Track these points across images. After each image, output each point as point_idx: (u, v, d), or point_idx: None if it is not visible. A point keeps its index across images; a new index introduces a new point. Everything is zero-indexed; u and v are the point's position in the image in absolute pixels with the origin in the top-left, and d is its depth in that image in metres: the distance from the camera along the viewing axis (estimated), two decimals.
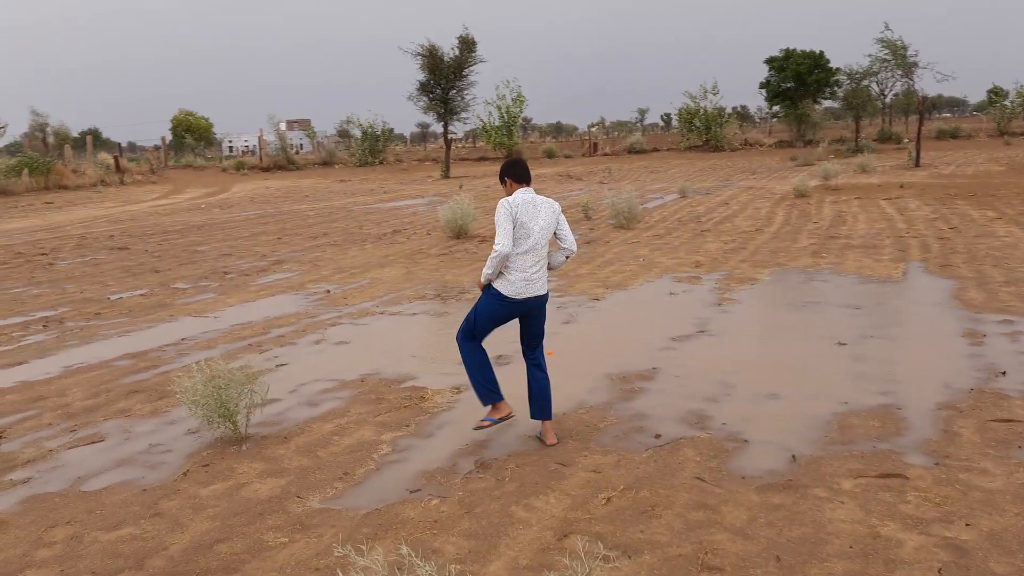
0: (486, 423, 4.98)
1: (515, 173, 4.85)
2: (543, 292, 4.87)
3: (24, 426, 5.50)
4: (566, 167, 38.88)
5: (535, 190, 4.89)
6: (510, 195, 4.78)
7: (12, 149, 46.85)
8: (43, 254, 14.34)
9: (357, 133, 47.86)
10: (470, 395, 5.95)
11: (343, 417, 5.56)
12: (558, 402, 5.64)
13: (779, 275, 10.02)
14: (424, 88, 35.96)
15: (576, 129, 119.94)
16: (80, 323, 8.76)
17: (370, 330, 8.13)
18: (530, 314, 4.93)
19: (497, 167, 36.53)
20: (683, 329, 7.55)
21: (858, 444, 4.70)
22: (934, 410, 5.20)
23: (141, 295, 10.26)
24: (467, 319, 5.01)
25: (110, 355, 7.35)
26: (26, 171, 32.40)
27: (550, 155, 47.36)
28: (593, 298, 9.15)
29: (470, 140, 71.21)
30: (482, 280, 4.88)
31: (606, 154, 46.81)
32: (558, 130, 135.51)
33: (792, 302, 8.61)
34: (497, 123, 45.76)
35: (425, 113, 38.26)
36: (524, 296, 4.77)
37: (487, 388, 4.96)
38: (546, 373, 5.09)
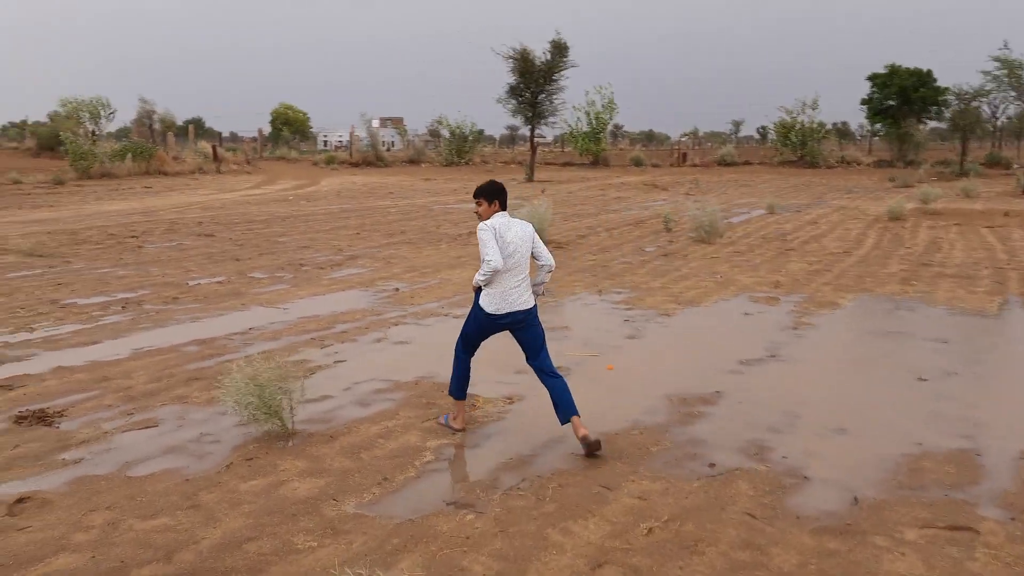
0: (440, 422, 5.37)
1: (499, 197, 5.08)
2: (528, 307, 5.07)
3: (86, 406, 5.64)
4: (653, 176, 38.32)
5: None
6: (487, 219, 5.02)
7: (120, 135, 49.34)
8: (134, 236, 14.93)
9: (446, 133, 48.43)
10: (522, 406, 5.83)
11: (391, 420, 5.50)
12: (611, 420, 5.46)
13: (863, 301, 9.50)
14: (513, 91, 36.08)
15: (668, 138, 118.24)
16: (157, 306, 9.02)
17: (432, 331, 8.08)
18: (517, 327, 5.11)
19: (582, 172, 36.34)
20: (753, 352, 7.21)
21: (928, 491, 4.34)
22: (1016, 459, 4.78)
23: (218, 282, 10.52)
24: (462, 330, 5.32)
25: (179, 340, 7.52)
26: (129, 156, 34.05)
27: (637, 163, 46.78)
28: (663, 313, 8.87)
29: (558, 145, 71.09)
30: (473, 284, 5.10)
31: (695, 165, 45.96)
32: (649, 138, 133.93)
33: (873, 331, 8.13)
34: (585, 129, 45.59)
35: (513, 116, 38.39)
36: (505, 311, 5.00)
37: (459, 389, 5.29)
38: (558, 375, 5.11)
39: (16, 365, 6.63)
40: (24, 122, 67.54)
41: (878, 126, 46.81)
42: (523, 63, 35.13)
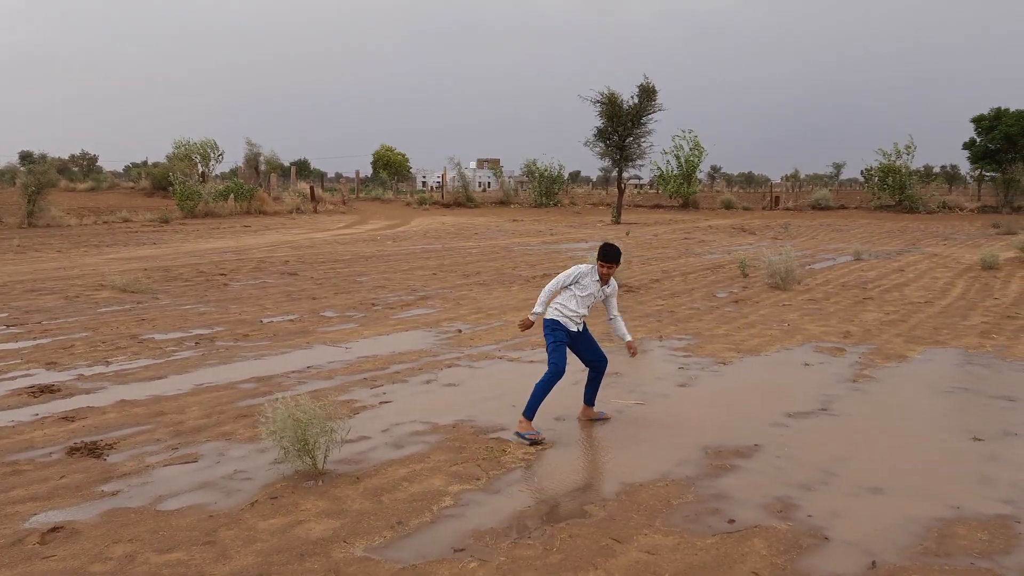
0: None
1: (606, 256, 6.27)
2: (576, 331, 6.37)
3: (135, 439, 5.95)
4: (742, 219, 37.60)
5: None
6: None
7: (229, 176, 52.12)
8: (222, 274, 15.69)
9: (536, 175, 49.01)
10: (550, 453, 5.80)
11: (421, 463, 5.57)
12: (641, 471, 5.39)
13: (933, 354, 9.02)
14: (601, 134, 36.23)
15: (768, 180, 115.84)
16: (228, 343, 9.44)
17: (483, 374, 8.15)
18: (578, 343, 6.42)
19: (671, 214, 35.95)
20: (804, 405, 6.95)
21: (955, 558, 4.07)
22: None
23: (290, 320, 10.92)
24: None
25: (239, 377, 7.84)
26: (232, 196, 35.90)
27: (727, 206, 45.98)
28: (719, 361, 8.67)
29: (654, 187, 70.79)
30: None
31: (787, 208, 44.78)
32: (748, 181, 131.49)
33: (937, 386, 7.70)
34: (675, 171, 45.30)
35: (601, 159, 38.48)
36: (570, 329, 6.31)
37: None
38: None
39: (84, 397, 7.06)
40: (144, 163, 72.27)
41: (982, 171, 44.52)
42: (610, 107, 35.30)
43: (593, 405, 6.64)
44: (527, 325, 6.32)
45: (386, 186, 63.71)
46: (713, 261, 19.16)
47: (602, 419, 6.60)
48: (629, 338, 6.63)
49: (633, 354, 6.70)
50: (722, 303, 12.70)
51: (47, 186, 30.00)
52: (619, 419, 6.67)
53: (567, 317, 6.29)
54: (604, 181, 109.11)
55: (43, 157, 71.23)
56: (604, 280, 6.34)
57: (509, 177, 75.15)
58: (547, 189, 47.79)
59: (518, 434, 6.07)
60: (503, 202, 49.84)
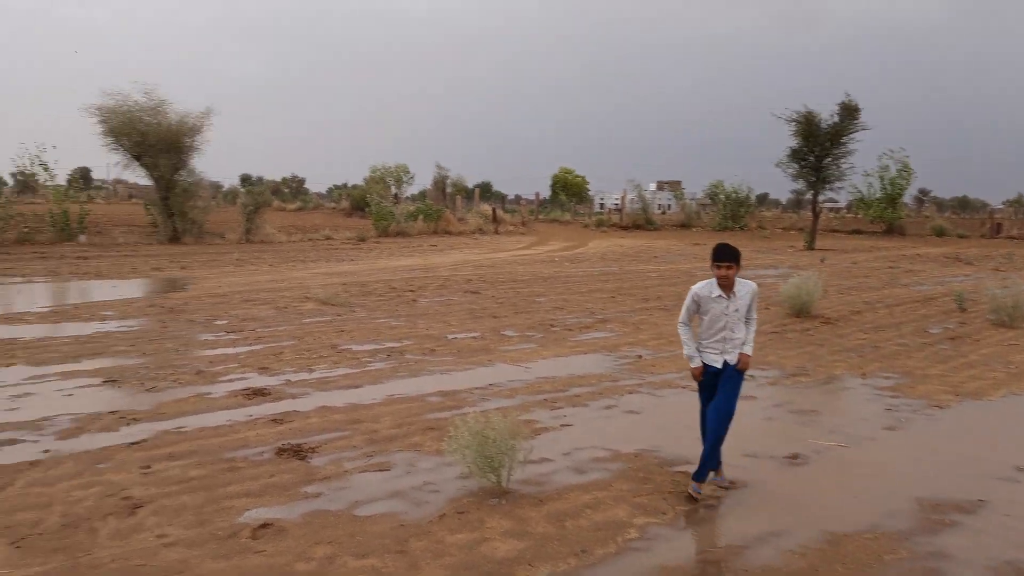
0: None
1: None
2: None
3: (335, 445, 6.26)
4: (956, 248, 34.51)
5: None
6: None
7: (417, 198, 54.89)
8: (411, 291, 16.42)
9: (722, 197, 47.63)
10: (740, 494, 5.48)
11: (604, 490, 5.45)
12: (846, 519, 4.97)
13: None
14: (795, 155, 34.58)
15: (986, 205, 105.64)
16: (416, 356, 9.81)
17: (666, 403, 7.90)
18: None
19: (873, 241, 33.42)
20: None
21: None
22: None
23: (473, 338, 11.19)
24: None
25: (427, 390, 8.10)
26: (421, 217, 37.78)
27: (939, 233, 42.43)
28: (934, 404, 7.90)
29: (852, 211, 66.66)
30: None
31: (1011, 237, 40.56)
32: (963, 205, 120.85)
33: None
34: (878, 194, 42.41)
35: (794, 180, 36.73)
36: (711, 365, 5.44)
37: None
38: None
39: (291, 402, 7.55)
40: (344, 185, 77.64)
41: None
42: (807, 126, 33.64)
43: (713, 471, 5.54)
44: (698, 374, 5.46)
45: (564, 208, 64.40)
46: (923, 293, 17.64)
47: (723, 485, 5.55)
48: (747, 349, 5.42)
49: (743, 368, 5.41)
50: (935, 339, 11.62)
51: (262, 206, 32.98)
52: (819, 461, 6.21)
53: (707, 352, 5.43)
54: (795, 204, 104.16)
55: (259, 180, 78.49)
56: (726, 287, 5.31)
57: (691, 199, 73.70)
58: (733, 212, 46.25)
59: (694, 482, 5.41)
60: (684, 225, 48.85)
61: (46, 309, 13.43)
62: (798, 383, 8.89)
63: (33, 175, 31.00)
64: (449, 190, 51.51)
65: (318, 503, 5.10)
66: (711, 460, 5.39)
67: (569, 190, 66.75)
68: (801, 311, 13.54)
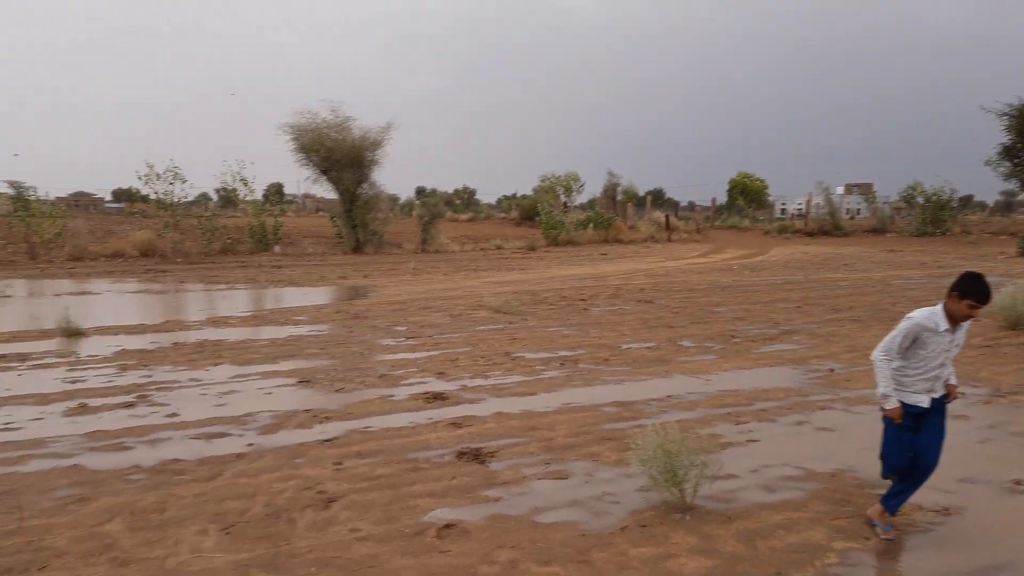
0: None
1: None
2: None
3: (513, 450, 6.28)
4: None
5: None
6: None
7: (586, 206, 54.98)
8: (582, 299, 16.37)
9: (920, 200, 44.08)
10: (959, 521, 4.95)
11: (797, 511, 5.10)
12: None
13: None
14: (1008, 152, 31.44)
15: None
16: (590, 366, 9.72)
17: (864, 420, 7.32)
18: None
19: None
20: None
21: None
22: None
23: (648, 348, 10.95)
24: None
25: (602, 400, 7.98)
26: (591, 225, 37.76)
27: None
28: None
29: None
30: None
31: None
32: None
33: None
34: None
35: (1006, 180, 33.39)
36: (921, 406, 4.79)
37: None
38: None
39: (468, 407, 7.68)
40: (513, 195, 79.26)
41: None
42: (1022, 120, 30.52)
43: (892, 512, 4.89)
44: (898, 415, 4.71)
45: (742, 214, 62.17)
46: None
47: (885, 536, 4.75)
48: (954, 381, 4.82)
49: (952, 399, 4.83)
50: None
51: (437, 217, 34.24)
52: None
53: (909, 391, 4.72)
54: (1004, 207, 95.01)
55: (433, 192, 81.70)
56: (960, 321, 4.60)
57: (883, 203, 68.88)
58: (933, 216, 42.60)
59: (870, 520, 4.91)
60: (877, 230, 45.65)
61: (247, 313, 14.56)
62: (1016, 402, 7.98)
63: (234, 190, 33.86)
64: (619, 198, 51.22)
65: (499, 507, 5.11)
66: (901, 501, 4.85)
67: (747, 195, 64.32)
68: (1017, 323, 12.23)
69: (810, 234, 44.23)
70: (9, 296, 17.27)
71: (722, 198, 70.00)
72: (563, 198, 49.10)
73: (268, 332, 12.31)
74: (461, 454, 6.14)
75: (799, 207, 67.64)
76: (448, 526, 4.76)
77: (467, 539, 4.59)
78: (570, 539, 4.62)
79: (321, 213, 58.78)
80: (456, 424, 7.00)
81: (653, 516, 4.99)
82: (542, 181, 50.94)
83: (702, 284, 19.69)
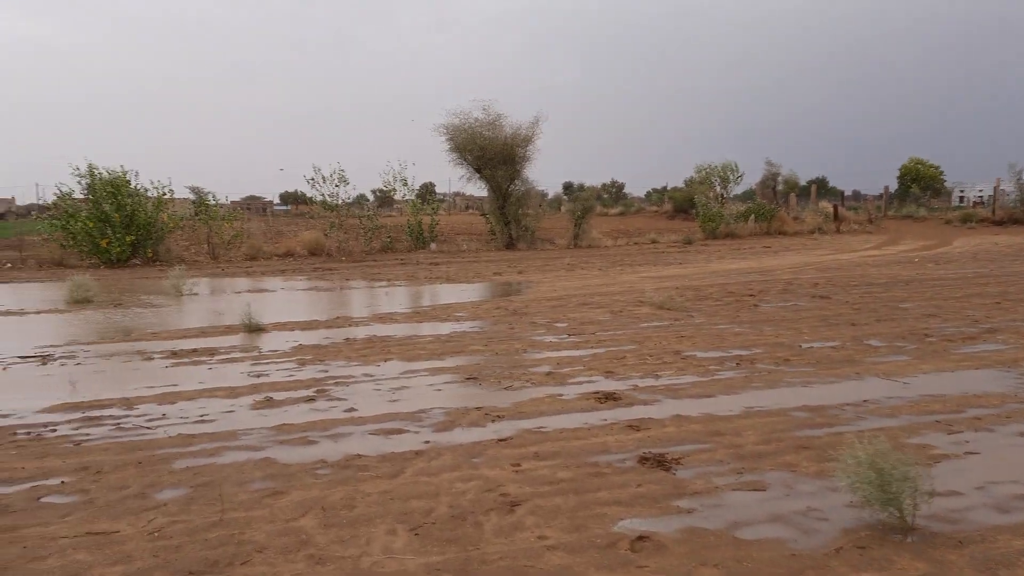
0: None
1: None
2: None
3: (699, 457, 5.90)
4: None
5: None
6: None
7: (745, 196, 52.84)
8: (750, 295, 15.56)
9: None
10: None
11: None
12: None
13: None
14: None
15: None
16: (769, 366, 9.11)
17: None
18: None
19: None
20: None
21: None
22: None
23: (831, 347, 10.17)
24: None
25: (789, 404, 7.42)
26: (752, 217, 36.20)
27: None
28: None
29: None
30: None
31: None
32: None
33: None
34: None
35: None
36: None
37: None
38: None
39: (642, 408, 7.35)
40: (664, 188, 77.58)
41: None
42: None
43: None
44: None
45: (919, 202, 57.81)
46: None
47: None
48: None
49: None
50: None
51: (588, 212, 33.97)
52: None
53: None
54: None
55: (581, 187, 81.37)
56: None
57: None
58: None
59: None
60: None
61: (409, 310, 14.88)
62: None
63: (393, 190, 35.04)
64: (779, 187, 48.85)
65: (693, 520, 4.76)
66: None
67: (920, 182, 59.72)
68: None
69: (999, 223, 40.40)
70: (196, 294, 18.57)
71: (893, 186, 65.44)
72: (719, 189, 47.37)
73: (431, 328, 12.47)
74: (643, 459, 5.83)
75: (980, 194, 62.09)
76: (641, 538, 4.47)
77: (664, 554, 4.28)
78: (779, 559, 4.21)
79: (471, 211, 59.94)
80: (633, 427, 6.69)
81: (870, 537, 4.48)
82: (697, 172, 49.39)
83: (881, 278, 18.30)
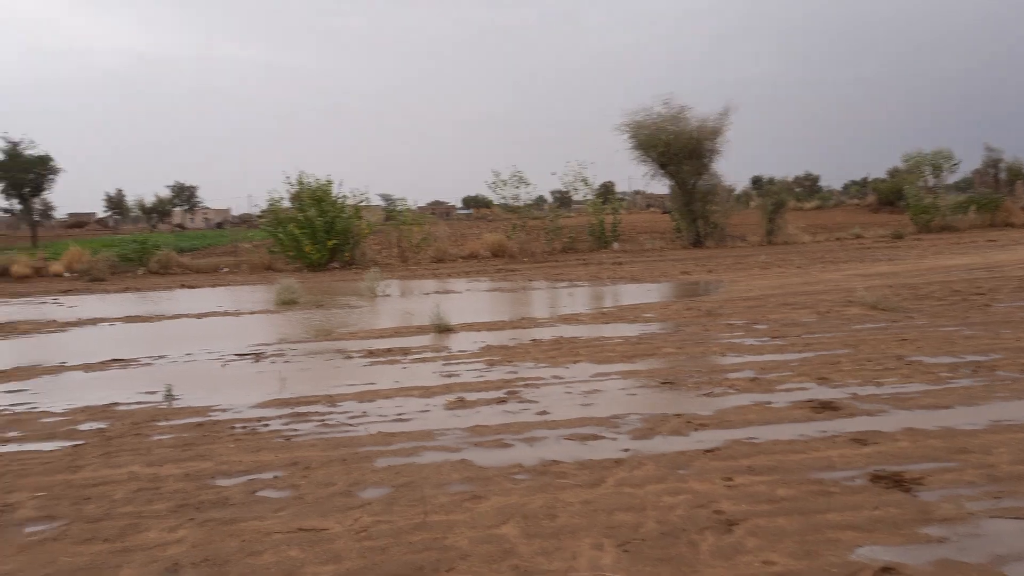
0: None
1: None
2: None
3: (944, 478, 5.13)
4: None
5: None
6: None
7: (962, 186, 48.09)
8: (980, 294, 13.90)
9: None
10: None
11: None
12: None
13: None
14: None
15: None
16: (1013, 374, 7.97)
17: None
18: None
19: None
20: None
21: None
22: None
23: None
24: None
25: None
26: (972, 208, 32.79)
27: None
28: None
29: None
30: None
31: None
32: None
33: None
34: None
35: None
36: None
37: None
38: None
39: (867, 419, 6.59)
40: (865, 179, 72.39)
41: None
42: None
43: None
44: None
45: None
46: None
47: None
48: None
49: None
50: None
51: (781, 206, 32.17)
52: None
53: None
54: None
55: (771, 181, 77.69)
56: None
57: None
58: None
59: None
60: None
61: (595, 310, 14.60)
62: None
63: (574, 191, 34.99)
64: (1002, 176, 43.97)
65: (946, 551, 4.09)
66: None
67: None
68: None
69: None
70: (388, 295, 19.35)
71: None
72: (931, 179, 43.32)
73: (619, 329, 12.11)
74: (876, 478, 5.15)
75: None
76: (886, 569, 3.88)
77: None
78: None
79: (652, 209, 58.88)
80: (859, 441, 5.98)
81: None
82: (905, 161, 45.42)
83: None
